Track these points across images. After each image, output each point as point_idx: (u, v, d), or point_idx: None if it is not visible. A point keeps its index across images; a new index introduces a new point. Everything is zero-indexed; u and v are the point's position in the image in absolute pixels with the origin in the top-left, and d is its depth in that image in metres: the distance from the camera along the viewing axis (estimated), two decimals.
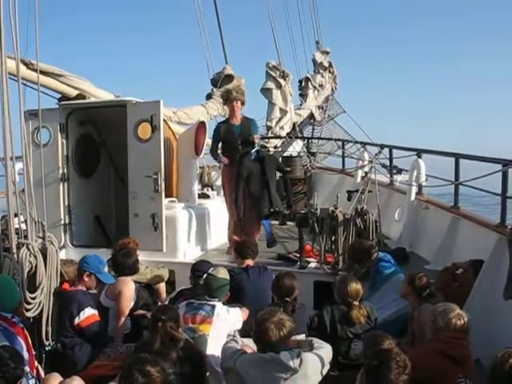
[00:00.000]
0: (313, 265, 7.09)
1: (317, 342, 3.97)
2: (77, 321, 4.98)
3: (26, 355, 4.04)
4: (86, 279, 5.33)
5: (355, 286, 4.89)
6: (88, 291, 5.36)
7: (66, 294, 5.17)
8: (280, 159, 11.73)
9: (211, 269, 5.35)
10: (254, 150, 7.74)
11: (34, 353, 4.34)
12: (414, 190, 8.18)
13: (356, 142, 12.23)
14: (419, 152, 8.23)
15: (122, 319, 5.33)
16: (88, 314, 5.04)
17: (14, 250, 4.65)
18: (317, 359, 3.76)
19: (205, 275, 5.25)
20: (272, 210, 7.71)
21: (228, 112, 8.23)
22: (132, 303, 5.48)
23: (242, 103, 8.10)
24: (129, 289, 5.44)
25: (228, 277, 5.12)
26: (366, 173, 9.21)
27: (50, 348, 4.94)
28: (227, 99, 8.12)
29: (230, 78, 11.19)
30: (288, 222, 10.36)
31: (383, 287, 5.79)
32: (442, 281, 5.52)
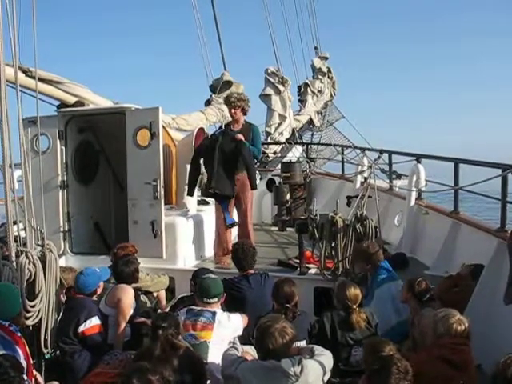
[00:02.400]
0: (313, 271, 7.07)
1: (318, 349, 3.95)
2: (82, 328, 4.97)
3: (24, 364, 4.02)
4: (98, 291, 5.39)
5: (354, 291, 4.91)
6: (95, 300, 5.37)
7: (76, 300, 5.17)
8: (279, 165, 11.73)
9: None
10: (218, 129, 7.78)
11: (32, 361, 4.33)
12: (414, 195, 8.17)
13: (355, 148, 12.22)
14: (418, 157, 8.22)
15: (122, 326, 5.31)
16: (94, 324, 5.04)
17: (13, 258, 4.64)
18: (318, 366, 3.75)
19: None
20: (211, 191, 7.65)
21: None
22: (132, 310, 5.47)
23: (243, 110, 7.96)
24: (128, 296, 5.44)
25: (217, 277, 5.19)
26: (366, 178, 9.20)
27: (49, 356, 4.93)
28: (227, 105, 8.06)
29: (228, 84, 11.21)
30: (288, 228, 10.36)
31: (376, 294, 5.71)
32: (442, 288, 5.48)
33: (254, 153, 7.84)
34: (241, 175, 7.70)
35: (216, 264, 7.70)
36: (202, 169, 8.08)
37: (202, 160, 7.91)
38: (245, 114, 8.02)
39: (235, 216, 8.03)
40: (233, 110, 7.89)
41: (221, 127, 8.22)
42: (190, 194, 7.99)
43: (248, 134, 7.87)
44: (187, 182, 7.98)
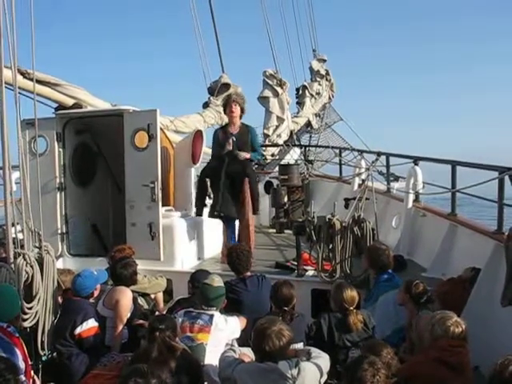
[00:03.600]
0: (310, 273, 7.07)
1: (314, 351, 3.96)
2: (78, 330, 4.97)
3: (22, 365, 4.03)
4: (96, 293, 5.39)
5: (350, 293, 4.91)
6: (92, 302, 5.37)
7: (73, 303, 5.18)
8: (277, 167, 11.75)
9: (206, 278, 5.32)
10: (224, 153, 7.79)
11: (30, 363, 4.33)
12: (411, 197, 8.18)
13: (353, 150, 12.24)
14: (416, 159, 8.23)
15: (120, 328, 5.31)
16: (90, 326, 5.04)
17: (11, 260, 4.64)
18: (315, 368, 3.75)
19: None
20: (216, 213, 7.75)
21: (228, 119, 8.18)
22: (129, 312, 5.47)
23: (242, 109, 8.01)
24: (126, 298, 5.45)
25: (222, 284, 5.10)
26: (363, 180, 9.21)
27: (46, 358, 4.92)
28: (226, 104, 8.11)
29: (226, 86, 11.23)
30: (285, 230, 10.38)
31: (380, 300, 5.72)
32: (442, 290, 5.49)
33: (255, 157, 8.00)
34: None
35: (221, 262, 7.77)
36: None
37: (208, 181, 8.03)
38: (242, 112, 8.04)
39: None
40: (233, 106, 7.90)
41: (223, 127, 8.26)
42: (200, 213, 8.03)
43: (247, 135, 7.93)
44: (195, 203, 8.07)
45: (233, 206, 7.77)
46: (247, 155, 7.75)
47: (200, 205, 8.00)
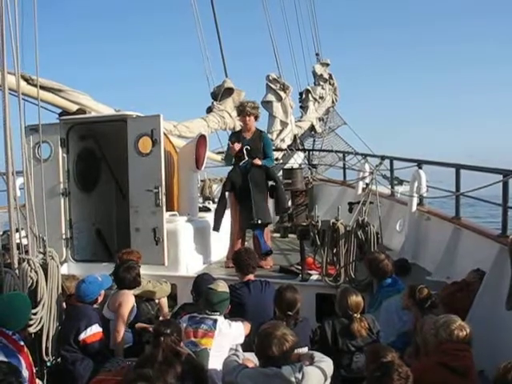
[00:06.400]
0: (315, 277, 7.07)
1: (317, 355, 3.96)
2: (83, 336, 4.95)
3: (25, 373, 4.02)
4: (100, 299, 5.39)
5: (355, 299, 4.89)
6: (96, 307, 5.38)
7: (76, 308, 5.17)
8: (281, 171, 11.76)
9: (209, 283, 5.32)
10: (243, 162, 7.84)
11: (34, 370, 4.33)
12: (416, 200, 8.17)
13: (357, 154, 12.24)
14: (420, 163, 8.23)
15: (122, 329, 5.31)
16: (95, 331, 5.02)
17: (16, 266, 4.65)
18: (318, 373, 3.75)
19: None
20: (253, 221, 7.82)
21: (242, 124, 8.42)
22: (132, 315, 5.49)
23: (256, 118, 8.26)
24: (129, 300, 5.49)
25: (227, 289, 5.09)
26: (367, 184, 9.21)
27: (50, 364, 4.92)
28: (241, 113, 8.25)
29: (230, 91, 11.23)
30: (289, 235, 10.38)
31: (383, 306, 5.70)
32: (447, 293, 5.47)
33: (268, 164, 8.11)
34: None
35: (226, 266, 7.80)
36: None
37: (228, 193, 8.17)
38: (257, 119, 8.30)
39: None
40: (247, 118, 8.11)
41: (238, 131, 8.43)
42: (217, 229, 8.08)
43: (259, 141, 8.08)
44: (214, 216, 8.13)
45: (266, 211, 8.04)
46: (259, 162, 7.86)
47: (220, 220, 8.06)
